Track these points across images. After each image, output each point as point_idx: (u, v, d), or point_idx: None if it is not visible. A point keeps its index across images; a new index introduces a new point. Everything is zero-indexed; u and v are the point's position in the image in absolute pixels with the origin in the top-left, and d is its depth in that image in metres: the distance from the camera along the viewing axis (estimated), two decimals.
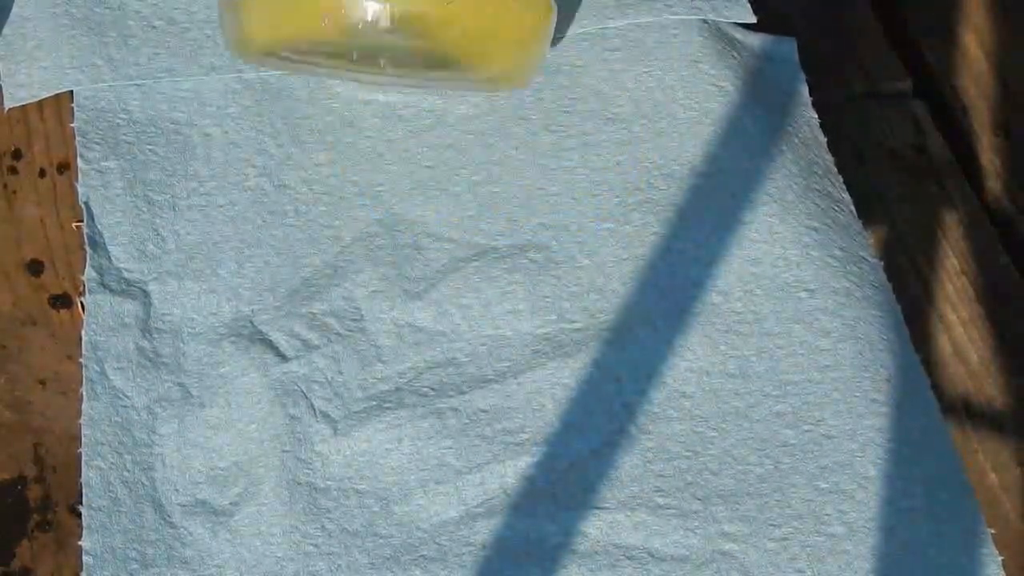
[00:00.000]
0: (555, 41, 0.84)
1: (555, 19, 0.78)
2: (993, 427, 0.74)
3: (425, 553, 0.67)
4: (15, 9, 0.84)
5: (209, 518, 0.67)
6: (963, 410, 0.74)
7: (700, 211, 0.78)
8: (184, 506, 0.68)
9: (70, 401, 0.71)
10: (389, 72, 0.77)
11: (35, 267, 0.76)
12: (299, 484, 0.68)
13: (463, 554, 0.66)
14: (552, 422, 0.71)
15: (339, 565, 0.66)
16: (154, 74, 0.82)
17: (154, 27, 0.84)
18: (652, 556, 0.67)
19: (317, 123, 0.80)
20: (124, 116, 0.80)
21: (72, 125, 0.80)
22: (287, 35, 0.77)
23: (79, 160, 0.78)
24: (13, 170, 0.79)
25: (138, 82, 0.82)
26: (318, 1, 0.75)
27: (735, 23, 0.87)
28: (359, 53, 0.76)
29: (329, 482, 0.69)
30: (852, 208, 0.79)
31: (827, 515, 0.68)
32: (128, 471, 0.68)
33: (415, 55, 0.76)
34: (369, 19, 0.74)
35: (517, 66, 0.79)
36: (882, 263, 0.77)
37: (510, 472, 0.69)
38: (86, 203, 0.77)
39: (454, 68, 0.77)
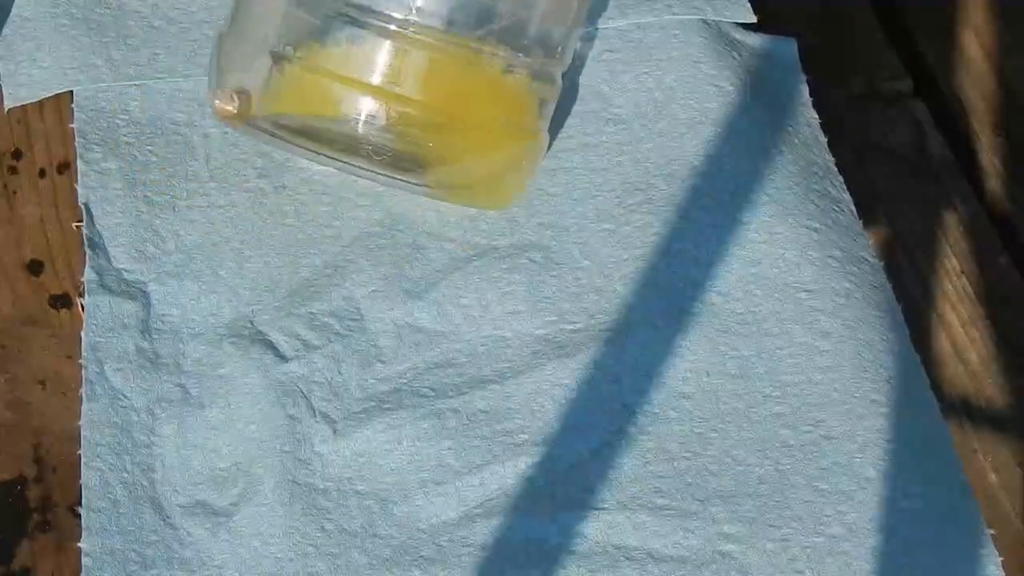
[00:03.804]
0: None
1: (545, 149, 0.78)
2: (993, 427, 0.74)
3: (424, 554, 0.67)
4: (15, 9, 0.84)
5: (209, 519, 0.67)
6: (963, 410, 0.74)
7: (700, 211, 0.78)
8: (184, 507, 0.68)
9: (70, 401, 0.71)
10: (367, 165, 0.75)
11: (35, 267, 0.76)
12: (299, 485, 0.68)
13: (462, 555, 0.67)
14: (551, 423, 0.71)
15: (338, 565, 0.66)
16: (154, 74, 0.82)
17: (154, 27, 0.84)
18: (651, 557, 0.67)
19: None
20: (124, 116, 0.81)
21: (72, 126, 0.80)
22: (271, 110, 0.75)
23: (79, 161, 0.78)
24: (13, 170, 0.79)
25: (138, 82, 0.82)
26: (314, 88, 0.73)
27: (735, 23, 0.86)
28: (341, 143, 0.74)
29: (328, 483, 0.69)
30: (852, 208, 0.79)
31: (827, 516, 0.68)
32: (127, 472, 0.68)
33: (397, 156, 0.74)
34: (364, 116, 0.72)
35: (496, 189, 0.78)
36: (882, 263, 0.77)
37: (510, 473, 0.69)
38: (86, 204, 0.77)
39: (432, 175, 0.75)
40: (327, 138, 0.74)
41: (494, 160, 0.76)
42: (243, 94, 0.73)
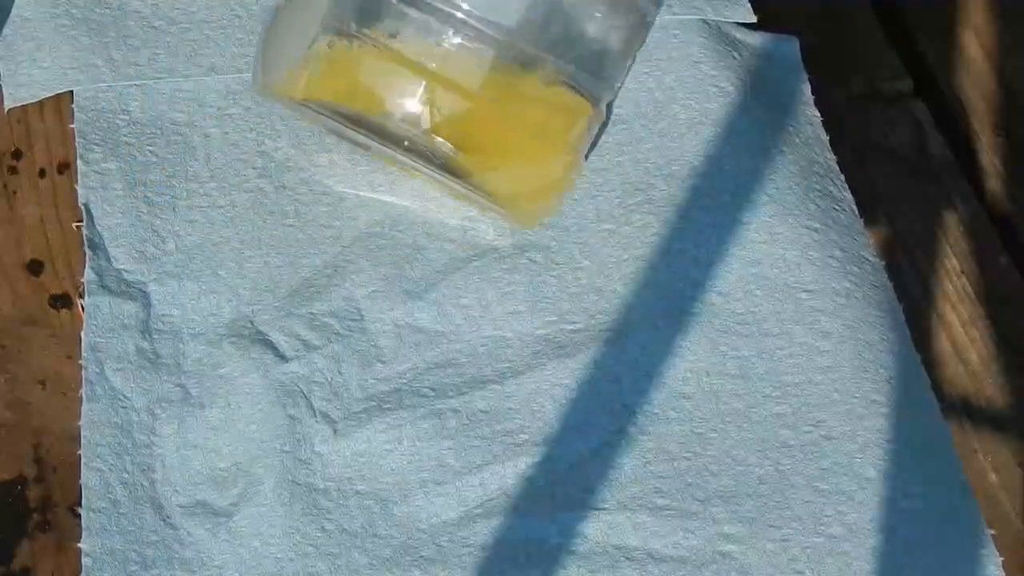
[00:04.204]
0: None
1: (580, 171, 0.77)
2: (993, 427, 0.74)
3: (424, 554, 0.67)
4: (15, 9, 0.84)
5: (209, 519, 0.67)
6: (963, 410, 0.74)
7: (700, 211, 0.78)
8: (184, 507, 0.68)
9: (70, 401, 0.71)
10: (408, 156, 0.74)
11: (35, 267, 0.76)
12: (299, 485, 0.68)
13: (462, 555, 0.67)
14: (552, 423, 0.71)
15: (338, 566, 0.66)
16: (154, 74, 0.82)
17: (154, 27, 0.84)
18: (652, 557, 0.67)
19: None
20: (124, 117, 0.80)
21: (72, 126, 0.80)
22: (320, 95, 0.75)
23: (79, 162, 0.78)
24: (13, 170, 0.79)
25: (138, 82, 0.82)
26: (365, 74, 0.73)
27: (736, 23, 0.86)
28: (387, 136, 0.74)
29: (329, 483, 0.69)
30: (853, 207, 0.79)
31: (827, 516, 0.68)
32: (128, 472, 0.68)
33: (438, 158, 0.73)
34: (405, 116, 0.71)
35: (527, 206, 0.76)
36: (883, 263, 0.77)
37: (510, 473, 0.69)
38: (86, 205, 0.77)
39: (471, 183, 0.74)
40: (372, 127, 0.74)
41: (529, 173, 0.75)
42: (300, 75, 0.74)
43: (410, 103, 0.71)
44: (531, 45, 0.72)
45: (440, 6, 0.71)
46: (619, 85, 0.78)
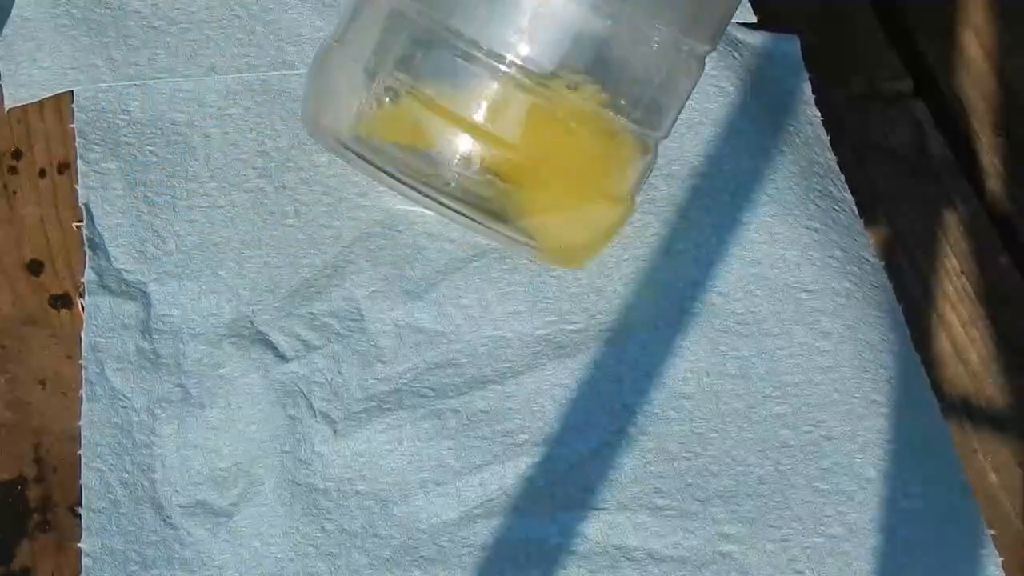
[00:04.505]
0: None
1: (629, 216, 0.75)
2: (993, 427, 0.74)
3: (424, 554, 0.67)
4: (15, 10, 0.84)
5: (209, 519, 0.67)
6: (963, 410, 0.74)
7: (700, 211, 0.78)
8: (184, 507, 0.68)
9: (70, 401, 0.71)
10: (460, 207, 0.72)
11: (35, 267, 0.76)
12: (299, 485, 0.68)
13: (463, 555, 0.67)
14: (552, 423, 0.71)
15: (338, 566, 0.66)
16: (154, 74, 0.82)
17: (154, 27, 0.84)
18: (652, 557, 0.67)
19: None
20: (124, 117, 0.81)
21: (72, 126, 0.80)
22: (366, 135, 0.73)
23: (79, 161, 0.78)
24: (13, 170, 0.79)
25: (138, 82, 0.82)
26: (415, 121, 0.71)
27: (736, 23, 0.86)
28: (433, 184, 0.72)
29: (329, 483, 0.69)
30: (853, 207, 0.79)
31: (827, 516, 0.68)
32: (128, 472, 0.68)
33: (485, 202, 0.71)
34: (458, 158, 0.70)
35: (575, 249, 0.75)
36: (882, 263, 0.77)
37: (510, 473, 0.69)
38: (86, 204, 0.77)
39: (515, 227, 0.72)
40: (416, 173, 0.72)
41: (582, 223, 0.74)
42: (346, 118, 0.72)
43: (454, 153, 0.70)
44: (581, 92, 0.70)
45: (481, 56, 0.69)
46: (670, 128, 0.75)
